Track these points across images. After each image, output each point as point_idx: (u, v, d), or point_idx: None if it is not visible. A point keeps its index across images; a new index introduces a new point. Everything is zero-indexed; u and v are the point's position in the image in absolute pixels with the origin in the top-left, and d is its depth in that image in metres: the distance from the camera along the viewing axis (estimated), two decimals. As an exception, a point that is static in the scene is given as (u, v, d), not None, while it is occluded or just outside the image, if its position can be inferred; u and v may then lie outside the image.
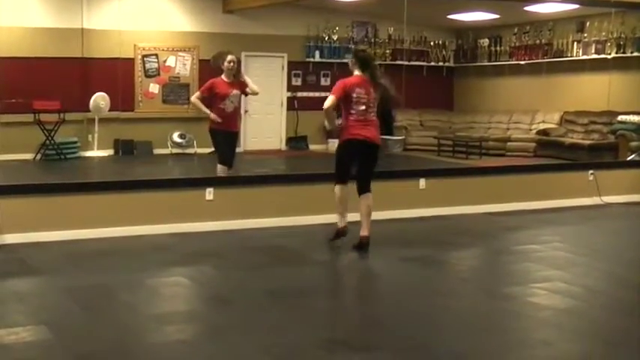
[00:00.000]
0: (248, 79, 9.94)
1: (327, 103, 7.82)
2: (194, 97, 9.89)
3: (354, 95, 7.86)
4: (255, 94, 10.19)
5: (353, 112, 7.89)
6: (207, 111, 9.68)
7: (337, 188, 8.10)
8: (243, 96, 9.93)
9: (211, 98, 9.67)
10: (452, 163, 15.03)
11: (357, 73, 8.00)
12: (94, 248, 8.06)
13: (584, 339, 5.58)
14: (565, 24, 16.67)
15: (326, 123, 8.10)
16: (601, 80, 15.67)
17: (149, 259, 7.81)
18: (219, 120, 9.56)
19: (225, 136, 9.69)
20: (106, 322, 5.72)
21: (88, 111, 15.53)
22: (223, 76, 9.63)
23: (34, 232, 8.21)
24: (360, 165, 8.11)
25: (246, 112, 16.69)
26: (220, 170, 9.81)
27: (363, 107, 7.88)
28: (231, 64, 9.59)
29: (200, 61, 16.62)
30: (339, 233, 8.14)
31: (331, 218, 8.36)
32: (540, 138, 16.54)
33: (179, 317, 5.92)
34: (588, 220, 10.44)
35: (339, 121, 8.10)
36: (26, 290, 6.63)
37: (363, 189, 8.09)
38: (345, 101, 7.90)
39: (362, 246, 7.96)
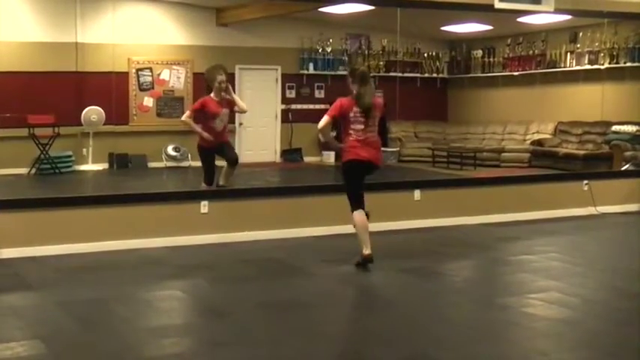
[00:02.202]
0: (236, 97, 9.94)
1: (321, 123, 7.80)
2: (185, 117, 9.80)
3: (351, 115, 7.78)
4: (243, 112, 10.20)
5: (352, 131, 7.82)
6: (199, 130, 9.67)
7: (357, 215, 7.84)
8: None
9: (200, 117, 9.68)
10: (446, 174, 15.04)
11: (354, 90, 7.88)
12: (89, 262, 8.05)
13: (580, 349, 5.58)
14: (558, 35, 16.71)
15: (325, 153, 8.09)
16: (594, 90, 15.71)
17: (144, 273, 7.80)
18: (211, 139, 9.56)
19: (214, 152, 9.72)
20: (102, 336, 5.70)
21: (82, 125, 15.53)
22: (213, 95, 9.63)
23: (29, 247, 8.21)
24: (361, 178, 8.11)
25: (240, 124, 16.71)
26: (225, 173, 9.86)
27: (362, 126, 7.79)
28: (222, 84, 9.61)
29: (194, 74, 16.62)
30: (367, 260, 7.77)
31: (325, 231, 8.40)
32: (535, 148, 16.56)
33: (174, 330, 5.91)
34: (583, 230, 10.45)
35: (340, 144, 8.06)
36: (21, 305, 6.61)
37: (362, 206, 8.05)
38: (342, 121, 7.88)
39: (366, 263, 7.83)
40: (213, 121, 9.56)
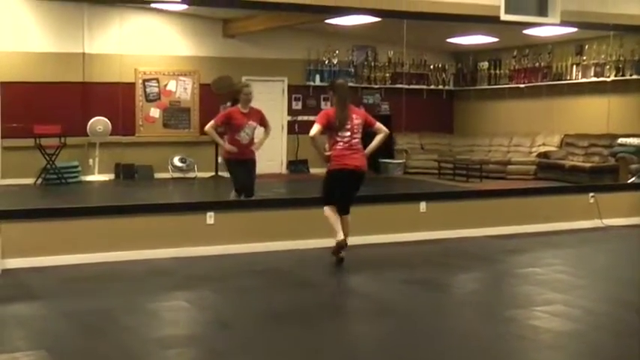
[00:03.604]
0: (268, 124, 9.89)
1: (312, 132, 8.21)
2: (209, 127, 9.63)
3: (337, 123, 8.20)
4: (266, 135, 9.99)
5: (339, 139, 8.24)
6: (222, 142, 9.65)
7: (327, 209, 8.39)
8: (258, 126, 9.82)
9: (226, 128, 9.63)
10: (452, 186, 15.04)
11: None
12: (94, 273, 8.06)
13: (585, 362, 5.58)
14: (564, 47, 16.73)
15: (312, 144, 8.32)
16: (600, 103, 15.70)
17: (150, 284, 7.81)
18: (234, 150, 9.51)
19: (240, 163, 9.62)
20: (107, 347, 5.71)
21: (89, 135, 15.56)
22: (239, 106, 9.59)
23: (35, 257, 8.21)
24: (344, 190, 8.39)
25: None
26: (233, 196, 9.79)
27: (348, 134, 8.21)
28: (248, 95, 9.57)
29: (201, 85, 16.67)
30: (341, 246, 8.26)
31: (331, 242, 8.37)
32: (541, 161, 16.56)
33: (180, 341, 5.91)
34: (589, 243, 10.43)
35: (327, 152, 8.38)
36: (27, 315, 6.62)
37: (344, 211, 8.44)
38: (330, 129, 8.22)
39: (341, 249, 8.29)
40: (237, 134, 9.49)
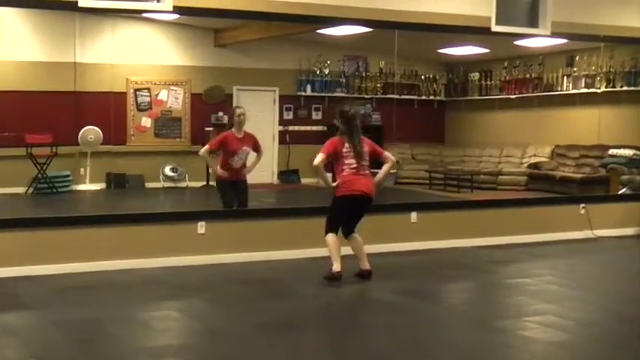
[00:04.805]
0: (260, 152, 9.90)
1: (316, 161, 8.07)
2: (203, 151, 9.58)
3: (344, 150, 8.09)
4: (258, 160, 9.99)
5: (345, 166, 8.11)
6: (215, 167, 9.64)
7: (330, 236, 8.18)
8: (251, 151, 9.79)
9: (220, 151, 9.62)
10: (443, 197, 15.04)
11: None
12: (85, 282, 8.05)
13: (576, 372, 5.58)
14: (555, 58, 16.76)
15: (321, 182, 8.27)
16: (591, 114, 15.75)
17: (141, 293, 7.80)
18: (226, 175, 9.51)
19: (232, 185, 9.62)
20: (98, 356, 5.70)
21: (80, 145, 15.54)
22: (233, 130, 9.55)
23: (25, 266, 8.21)
24: (351, 215, 8.27)
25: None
26: None
27: (354, 160, 8.09)
28: (241, 117, 9.55)
29: (192, 94, 16.67)
30: (336, 277, 8.06)
31: (322, 252, 8.36)
32: (531, 172, 16.58)
33: (171, 351, 5.90)
34: (580, 254, 10.46)
35: (333, 183, 8.24)
36: (17, 324, 6.60)
37: (350, 231, 8.30)
38: (335, 157, 8.14)
39: (365, 277, 8.20)
40: (231, 158, 9.47)
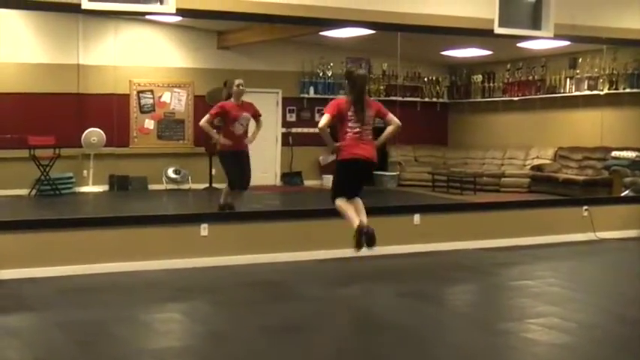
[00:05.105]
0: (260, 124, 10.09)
1: (322, 122, 8.02)
2: (203, 122, 9.79)
3: (349, 113, 8.06)
4: (259, 128, 10.20)
5: (349, 130, 8.08)
6: (217, 135, 9.76)
7: (338, 201, 8.19)
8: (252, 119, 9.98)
9: (220, 121, 9.72)
10: (446, 199, 15.04)
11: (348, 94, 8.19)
12: (88, 284, 8.06)
13: (579, 375, 5.58)
14: (557, 60, 16.76)
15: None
16: (594, 116, 15.73)
17: (143, 295, 7.80)
18: (229, 143, 9.59)
19: (235, 157, 9.71)
20: (100, 358, 5.70)
21: (83, 146, 15.55)
22: (232, 100, 9.71)
23: (28, 268, 8.21)
24: (353, 180, 8.27)
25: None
26: (225, 193, 9.87)
27: (359, 124, 8.08)
28: (239, 87, 9.73)
29: (195, 96, 16.68)
30: (361, 228, 7.98)
31: (326, 254, 8.37)
32: (534, 174, 16.57)
33: (173, 353, 5.90)
34: (583, 256, 10.45)
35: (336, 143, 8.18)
36: (20, 326, 6.60)
37: (353, 197, 8.24)
38: (340, 120, 8.08)
39: (368, 234, 7.99)
40: (232, 125, 9.63)
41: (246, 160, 9.99)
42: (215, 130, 9.95)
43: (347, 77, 8.33)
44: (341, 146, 8.15)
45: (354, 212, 8.10)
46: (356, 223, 8.02)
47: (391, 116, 8.38)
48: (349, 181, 8.24)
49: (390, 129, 8.34)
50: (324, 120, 8.01)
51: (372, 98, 9.10)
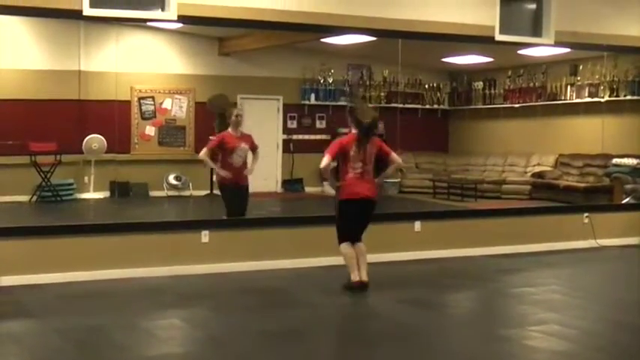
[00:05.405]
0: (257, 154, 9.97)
1: (323, 163, 8.00)
2: (203, 154, 9.68)
3: (351, 153, 8.04)
4: (256, 159, 10.05)
5: (350, 170, 8.08)
6: (217, 167, 9.70)
7: (344, 246, 8.18)
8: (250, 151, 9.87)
9: (219, 152, 9.67)
10: (447, 206, 15.04)
11: (353, 130, 8.16)
12: (88, 290, 8.06)
13: (580, 382, 5.58)
14: (558, 67, 16.76)
15: (325, 184, 8.24)
16: (595, 123, 15.72)
17: (144, 302, 7.80)
18: (229, 176, 9.55)
19: (235, 191, 9.66)
20: (101, 365, 5.70)
21: (84, 153, 15.56)
22: (230, 130, 9.64)
23: (29, 275, 8.21)
24: (355, 220, 8.25)
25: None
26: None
27: (360, 164, 8.07)
28: (238, 117, 9.66)
29: (196, 103, 16.69)
30: (355, 287, 8.08)
31: (327, 261, 8.37)
32: (535, 181, 16.57)
33: (173, 359, 5.90)
34: (583, 263, 10.45)
35: (338, 182, 8.23)
36: (21, 332, 6.61)
37: (356, 240, 8.24)
38: (342, 159, 8.10)
39: (362, 288, 8.08)
40: (230, 156, 9.54)
41: (246, 194, 9.96)
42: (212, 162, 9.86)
43: (356, 124, 8.13)
44: (342, 185, 8.16)
45: (356, 264, 8.12)
46: (355, 278, 8.10)
47: (393, 156, 8.37)
48: (351, 221, 8.22)
49: (391, 167, 8.42)
50: (324, 161, 7.98)
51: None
